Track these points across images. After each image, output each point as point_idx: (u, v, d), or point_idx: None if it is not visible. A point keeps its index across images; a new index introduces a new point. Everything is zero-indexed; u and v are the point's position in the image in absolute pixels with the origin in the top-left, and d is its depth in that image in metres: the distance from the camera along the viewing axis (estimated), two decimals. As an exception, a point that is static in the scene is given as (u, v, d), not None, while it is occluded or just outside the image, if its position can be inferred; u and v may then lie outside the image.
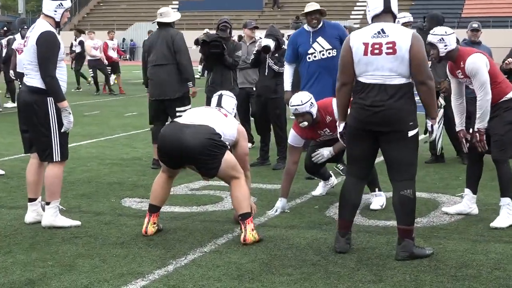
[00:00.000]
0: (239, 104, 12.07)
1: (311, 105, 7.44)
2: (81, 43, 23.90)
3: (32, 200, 7.38)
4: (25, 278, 5.60)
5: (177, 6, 58.17)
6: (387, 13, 6.04)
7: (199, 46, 10.69)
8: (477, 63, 7.01)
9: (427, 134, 6.65)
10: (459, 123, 7.43)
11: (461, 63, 7.10)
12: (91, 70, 23.75)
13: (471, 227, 7.12)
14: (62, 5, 7.22)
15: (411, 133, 6.01)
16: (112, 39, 24.91)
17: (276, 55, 10.44)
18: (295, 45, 9.35)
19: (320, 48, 9.12)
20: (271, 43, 10.16)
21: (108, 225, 7.23)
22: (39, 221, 7.25)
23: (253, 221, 6.63)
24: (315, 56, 9.16)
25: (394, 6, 6.07)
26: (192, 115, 6.92)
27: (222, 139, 6.62)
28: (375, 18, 6.06)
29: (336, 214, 7.60)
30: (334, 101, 7.21)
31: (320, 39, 9.17)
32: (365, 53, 5.94)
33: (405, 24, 11.12)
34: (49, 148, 7.14)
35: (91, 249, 6.42)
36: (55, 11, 7.21)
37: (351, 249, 6.38)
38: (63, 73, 7.24)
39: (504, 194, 7.20)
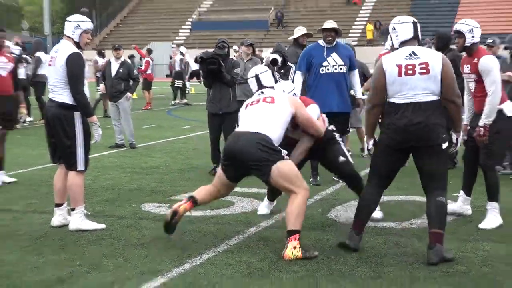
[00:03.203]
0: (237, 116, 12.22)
1: (294, 95, 7.42)
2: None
3: (59, 205, 7.47)
4: (55, 276, 5.67)
5: (190, 27, 58.35)
6: (414, 39, 6.17)
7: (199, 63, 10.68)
8: (491, 63, 7.11)
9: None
10: (466, 118, 7.50)
11: (475, 59, 7.16)
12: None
13: (461, 227, 7.17)
14: (80, 27, 7.29)
15: (444, 146, 6.10)
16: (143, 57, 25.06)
17: (282, 70, 10.50)
18: (309, 56, 9.56)
19: (334, 63, 9.41)
20: (278, 57, 10.30)
21: (130, 228, 7.29)
22: (65, 224, 7.33)
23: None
24: (328, 69, 9.40)
25: (419, 33, 6.23)
26: (247, 120, 6.55)
27: (273, 142, 6.31)
28: (404, 43, 6.17)
29: (337, 217, 7.69)
30: (313, 106, 7.24)
31: (334, 55, 9.47)
32: (399, 74, 6.00)
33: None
34: (73, 159, 7.22)
35: (115, 249, 6.49)
36: (73, 31, 7.29)
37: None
38: (86, 90, 7.34)
39: (491, 198, 7.25)
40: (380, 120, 6.56)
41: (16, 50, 19.09)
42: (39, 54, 18.70)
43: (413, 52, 6.06)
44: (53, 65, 7.26)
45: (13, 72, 10.10)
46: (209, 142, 10.87)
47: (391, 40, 6.37)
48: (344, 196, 8.79)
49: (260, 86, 6.89)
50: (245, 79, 11.21)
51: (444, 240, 5.96)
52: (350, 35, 50.42)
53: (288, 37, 15.10)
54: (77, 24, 7.31)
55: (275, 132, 6.38)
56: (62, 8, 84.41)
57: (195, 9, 61.07)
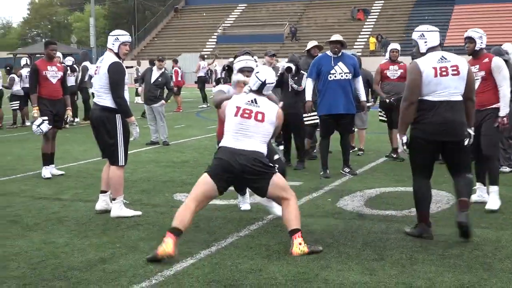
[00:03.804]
0: None
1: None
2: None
3: (103, 192, 7.49)
4: (98, 257, 5.63)
5: (215, 40, 58.38)
6: (439, 45, 6.16)
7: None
8: (501, 62, 7.34)
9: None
10: None
11: (485, 59, 7.32)
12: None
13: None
14: (118, 39, 7.32)
15: (466, 141, 6.10)
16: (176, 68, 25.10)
17: (296, 78, 10.44)
18: (318, 65, 9.64)
19: (340, 71, 9.47)
20: (292, 66, 10.28)
21: (163, 215, 7.24)
22: (106, 210, 7.35)
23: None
24: (335, 76, 9.48)
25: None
26: (238, 138, 5.89)
27: (265, 155, 5.91)
28: (432, 49, 6.10)
29: (345, 206, 7.59)
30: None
31: (340, 64, 9.54)
32: (435, 75, 5.94)
33: (393, 52, 11.27)
34: (115, 155, 7.23)
35: (150, 234, 6.45)
36: (113, 43, 7.33)
37: (357, 233, 6.35)
38: (126, 94, 7.33)
39: (493, 183, 7.31)
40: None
41: (69, 60, 19.15)
42: (85, 63, 18.75)
43: (443, 56, 6.04)
44: (97, 74, 7.31)
45: (62, 79, 10.09)
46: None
47: (418, 46, 6.16)
48: (351, 187, 8.72)
49: (260, 92, 6.09)
50: (276, 84, 11.25)
51: (441, 226, 5.85)
52: (355, 46, 50.15)
53: (301, 48, 15.06)
54: (116, 37, 7.35)
55: (265, 147, 5.99)
56: (105, 24, 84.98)
57: (220, 25, 61.09)
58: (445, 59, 6.03)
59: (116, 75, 7.18)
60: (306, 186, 8.83)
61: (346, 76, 9.51)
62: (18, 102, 18.82)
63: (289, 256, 5.59)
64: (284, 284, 4.91)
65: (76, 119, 18.93)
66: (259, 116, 5.93)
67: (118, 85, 7.18)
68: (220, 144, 6.03)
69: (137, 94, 27.18)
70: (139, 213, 7.30)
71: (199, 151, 12.75)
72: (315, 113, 10.08)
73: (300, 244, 5.70)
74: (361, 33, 54.81)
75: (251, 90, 6.12)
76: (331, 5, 60.16)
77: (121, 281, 5.02)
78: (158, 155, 12.35)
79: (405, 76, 11.16)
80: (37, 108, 9.66)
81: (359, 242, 6.02)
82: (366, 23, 56.27)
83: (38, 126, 9.57)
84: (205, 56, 29.00)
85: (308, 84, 9.75)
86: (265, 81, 6.04)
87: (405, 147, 6.21)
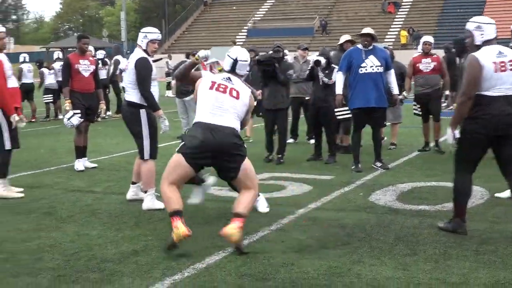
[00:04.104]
0: (295, 109, 12.23)
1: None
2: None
3: (134, 183, 7.69)
4: (131, 249, 5.66)
5: (246, 33, 58.36)
6: (495, 39, 6.00)
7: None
8: None
9: None
10: None
11: None
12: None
13: (489, 211, 6.95)
14: (147, 37, 7.45)
15: None
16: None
17: (327, 71, 10.38)
18: (349, 58, 9.58)
19: (371, 64, 9.40)
20: (322, 59, 10.22)
21: (196, 208, 7.23)
22: (136, 199, 7.51)
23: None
24: (366, 69, 9.41)
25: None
26: (217, 112, 5.77)
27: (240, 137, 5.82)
28: (487, 42, 5.95)
29: (377, 200, 7.54)
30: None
31: (371, 57, 9.46)
32: (495, 71, 5.82)
33: (425, 44, 11.11)
34: (140, 149, 7.39)
35: (182, 227, 6.45)
36: (142, 41, 7.47)
37: (390, 228, 6.30)
38: (155, 89, 7.42)
39: None
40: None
41: (100, 54, 19.30)
42: (117, 57, 18.87)
43: (500, 51, 5.90)
44: (127, 69, 7.45)
45: (95, 73, 10.16)
46: (263, 134, 10.80)
47: (473, 37, 5.95)
48: (383, 181, 8.65)
49: (233, 71, 6.04)
50: (300, 78, 11.24)
51: (475, 221, 5.76)
52: (385, 40, 49.70)
53: (332, 42, 14.99)
54: (145, 34, 7.48)
55: (238, 125, 5.91)
56: (136, 18, 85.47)
57: (250, 18, 61.02)
58: (502, 53, 5.88)
59: (142, 71, 7.28)
60: (338, 180, 8.79)
61: (378, 69, 9.43)
62: (52, 95, 19.08)
63: (321, 251, 5.57)
64: (316, 278, 4.89)
65: (108, 113, 19.08)
66: (234, 93, 5.87)
67: (145, 80, 7.29)
68: (195, 120, 5.91)
69: (168, 88, 27.37)
70: None
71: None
72: (347, 108, 10.00)
73: (235, 229, 5.50)
74: (392, 26, 54.29)
75: (225, 70, 6.09)
76: (362, -2, 59.77)
77: (153, 273, 5.05)
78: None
79: (438, 69, 11.13)
80: (69, 101, 9.74)
81: (392, 237, 5.97)
82: (397, 16, 55.74)
83: (69, 119, 9.65)
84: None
85: (338, 78, 9.68)
86: (236, 58, 6.01)
87: (455, 141, 6.10)
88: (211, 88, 5.89)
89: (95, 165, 10.20)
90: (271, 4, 63.67)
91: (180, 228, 5.46)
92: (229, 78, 5.98)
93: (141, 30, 7.60)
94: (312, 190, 8.14)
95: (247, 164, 5.85)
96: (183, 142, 5.89)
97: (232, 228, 5.54)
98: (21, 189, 8.28)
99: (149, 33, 7.47)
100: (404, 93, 11.33)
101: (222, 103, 5.81)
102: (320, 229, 6.27)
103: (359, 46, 9.62)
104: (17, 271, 5.13)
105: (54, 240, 6.01)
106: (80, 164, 9.90)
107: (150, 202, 7.28)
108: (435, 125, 11.25)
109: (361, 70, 9.42)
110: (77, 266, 5.24)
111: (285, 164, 10.25)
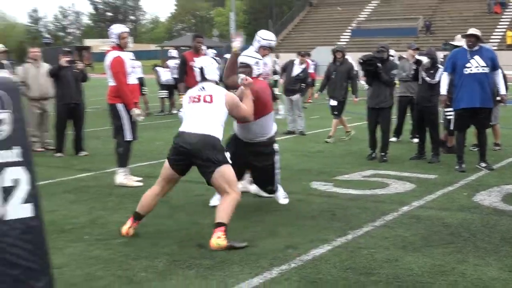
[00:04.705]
0: (401, 107, 12.00)
1: (257, 63, 6.68)
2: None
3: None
4: (240, 238, 5.71)
5: (350, 34, 57.83)
6: None
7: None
8: None
9: None
10: None
11: None
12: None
13: None
14: (259, 42, 7.39)
15: None
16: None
17: (431, 71, 10.13)
18: (454, 59, 9.30)
19: (476, 64, 9.07)
20: (423, 59, 10.04)
21: (301, 202, 7.28)
22: (245, 191, 7.49)
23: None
24: (471, 70, 9.07)
25: None
26: (193, 120, 5.95)
27: (220, 141, 5.89)
28: None
29: (482, 200, 7.29)
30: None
31: (477, 57, 9.13)
32: None
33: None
34: None
35: (289, 220, 6.49)
36: (255, 43, 7.43)
37: (495, 228, 6.08)
38: None
39: None
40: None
41: (211, 53, 19.69)
42: (227, 55, 19.20)
43: None
44: None
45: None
46: (366, 132, 10.68)
47: None
48: (487, 182, 8.36)
49: (203, 78, 6.14)
50: (409, 77, 11.05)
51: None
52: (490, 40, 47.93)
53: (435, 42, 14.63)
54: (259, 39, 7.44)
55: (219, 130, 5.93)
56: (245, 19, 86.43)
57: (355, 19, 60.45)
58: None
59: None
60: (441, 180, 8.56)
61: (483, 69, 9.08)
62: (167, 91, 19.70)
63: (425, 248, 5.45)
64: (420, 275, 4.80)
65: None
66: (207, 98, 6.00)
67: None
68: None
69: (275, 86, 27.35)
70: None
71: (334, 142, 12.68)
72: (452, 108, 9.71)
73: (219, 238, 5.47)
74: (498, 26, 52.26)
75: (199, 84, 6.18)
76: (467, -1, 57.93)
77: (261, 263, 5.11)
78: (295, 145, 12.41)
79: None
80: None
81: (497, 238, 5.76)
82: (503, 16, 53.60)
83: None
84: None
85: (443, 78, 9.43)
86: (201, 68, 6.11)
87: None
88: (188, 102, 6.13)
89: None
90: (376, 4, 62.78)
91: (126, 225, 5.97)
92: (202, 87, 6.12)
93: (258, 33, 7.52)
94: (415, 189, 7.98)
95: (223, 168, 5.77)
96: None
97: (217, 239, 5.49)
98: (140, 178, 8.58)
99: (263, 40, 7.39)
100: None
101: (197, 111, 5.98)
102: (424, 227, 6.13)
103: (465, 46, 9.31)
104: (137, 255, 5.33)
105: (168, 227, 6.19)
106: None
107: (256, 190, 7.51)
108: None
109: (466, 71, 9.12)
110: (190, 253, 5.38)
111: (389, 162, 10.09)
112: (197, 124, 5.89)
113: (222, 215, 5.59)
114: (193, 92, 6.18)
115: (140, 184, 8.33)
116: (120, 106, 8.24)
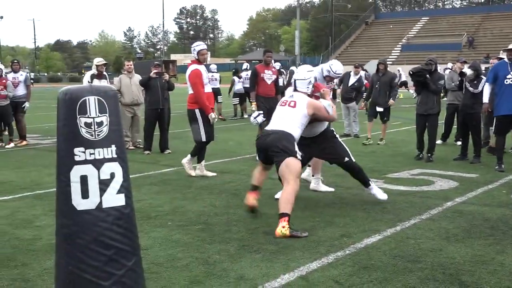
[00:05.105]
0: (449, 114, 11.63)
1: (309, 82, 6.51)
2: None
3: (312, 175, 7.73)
4: (301, 227, 5.67)
5: (400, 48, 56.76)
6: None
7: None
8: None
9: None
10: None
11: None
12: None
13: None
14: (329, 72, 7.30)
15: None
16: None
17: (475, 82, 9.84)
18: (496, 71, 9.01)
19: None
20: (468, 71, 9.77)
21: (355, 196, 7.17)
22: (315, 190, 7.50)
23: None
24: (511, 80, 8.70)
25: None
26: (276, 120, 6.21)
27: (295, 139, 5.97)
28: None
29: (520, 198, 7.01)
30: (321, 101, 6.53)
31: None
32: None
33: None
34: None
35: (344, 211, 6.41)
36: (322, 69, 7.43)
37: (532, 224, 5.83)
38: None
39: None
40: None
41: (277, 65, 19.65)
42: (292, 68, 19.13)
43: None
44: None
45: (276, 81, 10.37)
46: (414, 135, 10.44)
47: None
48: (525, 181, 8.03)
49: (295, 89, 6.46)
50: (458, 87, 10.77)
51: None
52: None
53: (477, 56, 14.19)
54: (329, 68, 7.33)
55: (295, 131, 6.05)
56: (307, 36, 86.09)
57: (405, 35, 59.29)
58: None
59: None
60: (482, 178, 8.28)
61: None
62: (238, 98, 19.88)
63: (467, 240, 5.28)
64: (462, 264, 4.64)
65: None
66: (292, 103, 6.25)
67: None
68: None
69: (334, 96, 27.01)
70: (331, 189, 7.46)
71: (386, 144, 12.45)
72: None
73: (283, 227, 5.36)
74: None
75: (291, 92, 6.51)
76: (508, 17, 55.82)
77: (320, 249, 5.05)
78: (349, 145, 12.12)
79: None
80: (255, 103, 10.04)
81: (534, 232, 5.52)
82: (541, 32, 51.44)
83: (255, 118, 9.87)
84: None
85: (486, 88, 9.18)
86: (295, 80, 6.46)
87: None
88: (279, 105, 6.44)
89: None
90: (424, 22, 61.46)
91: (248, 199, 6.03)
92: (292, 95, 6.42)
93: (329, 62, 7.48)
94: (458, 186, 7.74)
95: (291, 159, 5.77)
96: None
97: (281, 228, 5.40)
98: (215, 174, 8.66)
99: (332, 65, 7.31)
100: None
101: (283, 114, 6.21)
102: (466, 221, 5.94)
103: (506, 59, 9.01)
104: (212, 240, 5.37)
105: (239, 216, 6.21)
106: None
107: (314, 184, 7.51)
108: None
109: (506, 81, 8.82)
110: (258, 239, 5.37)
111: (434, 162, 9.83)
112: (279, 123, 6.14)
113: (284, 206, 5.54)
114: (285, 98, 6.48)
115: (214, 174, 8.62)
116: (197, 111, 8.36)
